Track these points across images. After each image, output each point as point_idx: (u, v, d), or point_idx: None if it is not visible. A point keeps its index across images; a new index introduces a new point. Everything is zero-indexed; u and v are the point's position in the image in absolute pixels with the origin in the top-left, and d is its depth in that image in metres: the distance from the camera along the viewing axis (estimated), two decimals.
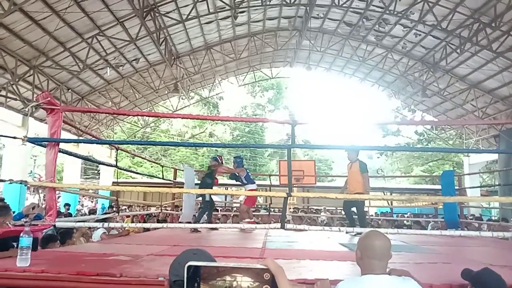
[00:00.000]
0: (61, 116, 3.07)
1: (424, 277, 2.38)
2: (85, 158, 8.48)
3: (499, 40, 12.54)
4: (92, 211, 14.30)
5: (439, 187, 7.42)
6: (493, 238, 5.50)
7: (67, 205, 14.14)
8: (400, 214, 13.40)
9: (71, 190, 6.11)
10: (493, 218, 13.65)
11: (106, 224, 3.85)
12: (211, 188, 6.30)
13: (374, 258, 1.96)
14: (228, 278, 0.61)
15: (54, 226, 3.29)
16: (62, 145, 4.47)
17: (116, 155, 5.12)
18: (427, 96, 17.30)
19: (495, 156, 17.56)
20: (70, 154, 4.20)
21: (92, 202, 20.87)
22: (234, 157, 7.44)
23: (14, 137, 3.05)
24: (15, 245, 3.00)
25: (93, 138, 6.34)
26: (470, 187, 12.24)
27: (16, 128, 12.80)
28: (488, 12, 11.85)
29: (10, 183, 3.17)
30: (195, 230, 5.73)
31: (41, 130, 14.14)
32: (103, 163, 5.88)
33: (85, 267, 2.50)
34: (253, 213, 7.67)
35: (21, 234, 2.45)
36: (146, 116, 20.80)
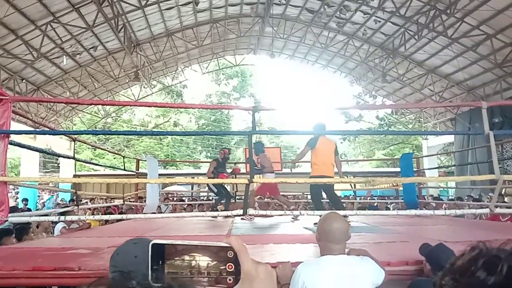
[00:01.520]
0: (10, 106, 2.92)
1: (383, 256, 2.46)
2: (41, 151, 8.12)
3: (454, 26, 13.00)
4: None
5: (399, 169, 7.68)
6: (449, 217, 5.77)
7: (25, 200, 13.58)
8: (362, 197, 13.80)
9: (29, 185, 5.87)
10: (450, 197, 14.31)
11: (63, 218, 3.71)
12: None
13: (333, 240, 2.00)
14: (186, 257, 0.59)
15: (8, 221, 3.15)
16: (17, 138, 4.27)
17: (74, 146, 4.93)
18: (387, 81, 17.78)
19: (451, 139, 18.36)
20: (23, 146, 4.01)
21: (52, 195, 20.15)
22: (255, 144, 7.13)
23: None
24: None
25: (46, 129, 6.05)
26: (428, 169, 12.77)
27: None
28: None
29: None
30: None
31: None
32: (60, 155, 5.64)
33: (41, 262, 2.41)
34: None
35: None
36: (106, 105, 20.24)
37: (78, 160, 5.72)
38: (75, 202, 9.90)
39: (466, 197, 10.09)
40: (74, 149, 4.78)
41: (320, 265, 1.95)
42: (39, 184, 5.89)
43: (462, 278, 0.54)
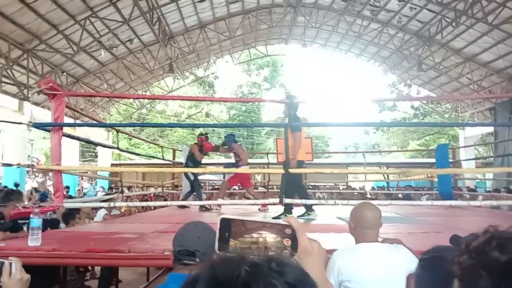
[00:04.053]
0: (63, 101, 3.15)
1: (416, 245, 2.51)
2: (90, 142, 8.58)
3: (495, 12, 12.49)
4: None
5: (434, 160, 7.56)
6: (485, 208, 5.68)
7: (66, 187, 14.25)
8: (395, 188, 13.62)
9: (72, 172, 6.21)
10: (487, 189, 13.89)
11: (112, 204, 3.96)
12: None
13: (366, 228, 2.09)
14: (255, 234, 0.71)
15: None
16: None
17: (117, 137, 5.19)
18: (422, 70, 17.31)
19: (490, 129, 17.73)
20: (74, 138, 4.28)
21: (91, 184, 21.02)
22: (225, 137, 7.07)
23: (20, 123, 3.12)
24: (24, 227, 3.13)
25: (94, 122, 6.37)
26: (465, 160, 12.43)
27: (12, 113, 12.80)
28: None
29: (18, 167, 3.27)
30: (206, 209, 5.86)
31: (36, 114, 14.16)
32: (105, 146, 5.96)
33: (94, 245, 2.62)
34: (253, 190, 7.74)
35: (31, 215, 2.56)
36: (147, 99, 20.79)
37: (122, 150, 6.02)
38: (113, 190, 10.34)
39: (503, 189, 9.80)
40: (118, 139, 5.04)
41: (355, 252, 2.05)
42: (86, 172, 6.20)
43: (478, 256, 0.64)
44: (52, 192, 3.73)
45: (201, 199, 6.45)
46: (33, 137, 23.18)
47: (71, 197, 11.64)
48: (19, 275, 1.34)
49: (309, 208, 4.63)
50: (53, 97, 3.09)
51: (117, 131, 5.30)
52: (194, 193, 6.77)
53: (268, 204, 4.54)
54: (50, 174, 18.52)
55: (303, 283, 0.53)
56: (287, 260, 0.56)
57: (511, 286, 0.58)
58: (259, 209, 5.98)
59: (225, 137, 6.95)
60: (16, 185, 8.43)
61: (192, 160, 6.57)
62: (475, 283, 0.62)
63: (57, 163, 3.14)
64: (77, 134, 13.39)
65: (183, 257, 1.46)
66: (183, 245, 1.46)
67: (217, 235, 0.72)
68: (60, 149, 3.30)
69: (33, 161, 22.66)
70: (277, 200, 3.69)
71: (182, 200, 6.65)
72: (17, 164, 3.35)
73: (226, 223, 0.72)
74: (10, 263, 1.35)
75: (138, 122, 27.50)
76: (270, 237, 0.71)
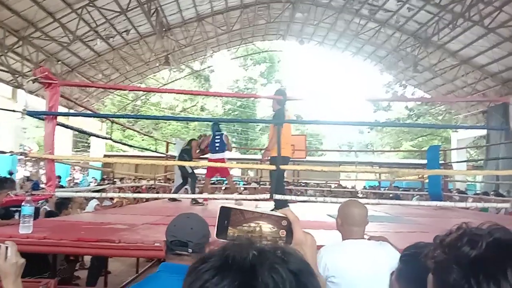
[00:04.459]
0: (58, 90, 3.15)
1: (402, 244, 2.55)
2: (84, 132, 8.52)
3: (491, 16, 12.57)
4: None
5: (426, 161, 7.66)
6: (474, 211, 5.76)
7: (58, 177, 14.20)
8: (387, 188, 13.72)
9: (65, 162, 6.21)
10: (477, 191, 14.05)
11: (104, 194, 3.98)
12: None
13: (353, 225, 2.14)
14: (252, 224, 0.75)
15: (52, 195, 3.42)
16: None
17: (111, 128, 5.20)
18: (418, 71, 17.40)
19: (483, 132, 17.89)
20: (68, 127, 4.28)
21: (83, 174, 20.96)
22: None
23: (14, 111, 3.12)
24: (15, 215, 3.15)
25: (89, 112, 6.37)
26: (456, 162, 12.56)
27: (6, 100, 12.72)
28: None
29: (11, 155, 3.27)
30: (197, 202, 5.85)
31: (30, 102, 14.06)
32: (98, 136, 5.96)
33: (84, 234, 2.64)
34: (245, 186, 7.79)
35: (23, 203, 2.57)
36: (143, 91, 20.71)
37: (115, 141, 6.02)
38: (105, 181, 10.33)
39: (492, 192, 9.92)
40: (111, 130, 5.04)
41: (341, 248, 2.09)
42: (79, 162, 6.20)
43: (450, 251, 0.68)
44: (44, 181, 3.73)
45: (194, 192, 6.47)
46: (26, 126, 23.03)
47: (61, 187, 11.65)
48: (15, 259, 1.38)
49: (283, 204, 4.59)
50: (48, 86, 3.09)
51: (112, 122, 5.30)
52: (186, 187, 6.82)
53: (260, 200, 4.56)
54: (42, 163, 18.42)
55: (304, 272, 0.57)
56: (291, 250, 0.61)
57: (479, 279, 0.62)
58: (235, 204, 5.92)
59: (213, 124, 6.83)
60: (11, 173, 8.42)
61: (188, 154, 6.59)
62: (447, 276, 0.66)
63: (50, 152, 3.15)
64: (71, 124, 13.39)
65: (176, 247, 1.49)
66: (176, 236, 1.50)
67: (216, 222, 0.75)
68: (53, 138, 3.30)
69: (25, 149, 22.52)
70: (267, 195, 3.72)
71: (174, 193, 6.67)
72: (9, 152, 3.36)
73: (225, 212, 0.75)
74: (6, 247, 1.38)
75: (133, 113, 27.40)
76: (266, 227, 0.75)
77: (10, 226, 2.80)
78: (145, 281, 1.53)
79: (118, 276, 5.92)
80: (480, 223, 0.72)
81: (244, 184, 12.15)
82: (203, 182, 7.10)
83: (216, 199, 5.84)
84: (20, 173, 14.49)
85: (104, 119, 16.64)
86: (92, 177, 16.31)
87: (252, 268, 0.54)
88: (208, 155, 6.42)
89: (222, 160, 6.22)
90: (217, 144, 6.26)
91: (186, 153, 6.64)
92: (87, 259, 5.72)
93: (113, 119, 5.72)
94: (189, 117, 31.16)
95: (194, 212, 1.72)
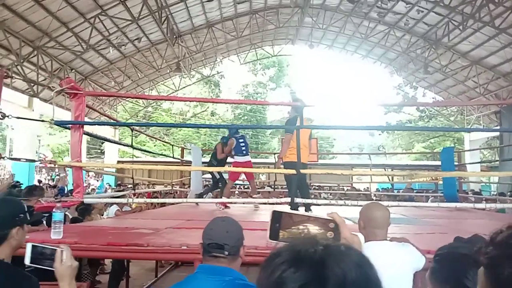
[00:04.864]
0: (84, 100, 3.26)
1: (422, 245, 2.60)
2: (108, 140, 8.81)
3: (502, 16, 12.51)
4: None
5: (439, 163, 7.64)
6: (490, 212, 5.75)
7: None
8: (402, 190, 13.69)
9: (87, 169, 6.35)
10: (492, 192, 13.94)
11: (130, 200, 4.08)
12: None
13: (376, 227, 2.19)
14: (301, 226, 0.83)
15: (83, 202, 3.53)
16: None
17: (132, 135, 5.32)
18: (429, 73, 17.33)
19: (496, 132, 17.75)
20: (92, 136, 4.39)
21: (97, 181, 21.23)
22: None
23: (43, 120, 3.24)
24: (43, 221, 3.26)
25: (111, 120, 6.51)
26: (470, 163, 12.48)
27: (22, 109, 12.98)
28: None
29: (41, 163, 3.39)
30: (226, 206, 5.90)
31: (45, 110, 14.32)
32: (120, 143, 6.08)
33: (112, 238, 2.74)
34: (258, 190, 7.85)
35: (54, 210, 2.68)
36: (162, 99, 20.90)
37: (136, 148, 6.15)
38: (121, 187, 10.48)
39: (508, 193, 9.85)
40: (132, 137, 5.16)
41: (364, 250, 2.15)
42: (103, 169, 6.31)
43: (502, 248, 0.76)
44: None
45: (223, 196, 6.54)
46: (40, 133, 23.42)
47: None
48: (69, 262, 1.48)
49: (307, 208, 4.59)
50: (74, 96, 3.20)
51: (132, 129, 5.43)
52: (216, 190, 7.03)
53: (279, 204, 4.60)
54: (57, 169, 18.58)
55: (365, 263, 0.66)
56: (350, 245, 0.71)
57: None
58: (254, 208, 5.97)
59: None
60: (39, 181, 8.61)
61: (216, 158, 6.70)
62: (501, 270, 0.74)
63: (77, 160, 3.26)
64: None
65: (213, 250, 1.55)
66: (213, 239, 1.56)
67: (269, 226, 0.83)
68: (81, 147, 3.41)
69: (40, 157, 22.88)
70: (287, 199, 3.79)
71: (201, 196, 6.78)
72: (39, 160, 3.48)
73: (277, 216, 0.83)
74: (62, 251, 1.47)
75: (144, 119, 27.74)
76: (313, 229, 0.82)
77: (41, 232, 2.91)
78: (184, 281, 1.60)
79: (137, 280, 6.02)
80: None
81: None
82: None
83: (235, 203, 5.91)
84: (37, 179, 14.73)
85: (116, 126, 16.87)
86: (107, 183, 16.53)
87: (321, 260, 0.62)
88: (235, 158, 6.29)
89: (249, 163, 6.26)
90: (243, 147, 6.19)
91: (214, 158, 6.78)
92: (107, 263, 5.83)
93: (133, 126, 5.85)
94: (212, 124, 31.37)
95: (228, 215, 1.79)
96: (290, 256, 0.64)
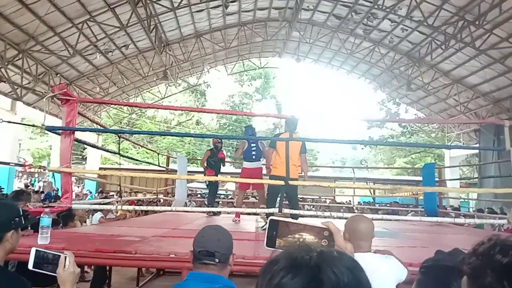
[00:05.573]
0: (76, 106, 3.27)
1: (404, 258, 2.69)
2: (97, 147, 8.71)
3: (482, 38, 12.96)
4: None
5: (420, 178, 7.82)
6: (469, 227, 5.92)
7: (56, 190, 14.21)
8: (388, 204, 13.88)
9: (76, 175, 6.29)
10: (471, 209, 14.24)
11: (118, 207, 4.07)
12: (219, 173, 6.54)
13: (361, 239, 2.25)
14: (296, 235, 0.88)
15: (70, 208, 3.51)
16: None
17: (119, 142, 5.31)
18: (411, 90, 17.76)
19: (475, 150, 18.21)
20: (81, 142, 4.38)
21: (78, 187, 20.91)
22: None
23: (33, 125, 3.22)
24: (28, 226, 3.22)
25: (102, 128, 6.50)
26: (450, 179, 12.74)
27: (5, 112, 12.76)
28: (473, 10, 12.22)
29: (30, 168, 3.37)
30: (214, 213, 5.83)
31: (28, 114, 14.12)
32: (108, 150, 6.05)
33: (99, 245, 2.74)
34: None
35: (42, 215, 2.67)
36: (153, 108, 20.80)
37: (123, 156, 6.13)
38: (102, 194, 10.36)
39: (486, 209, 10.09)
40: (119, 144, 5.16)
41: None
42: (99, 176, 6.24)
43: (485, 258, 0.82)
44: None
45: (212, 205, 6.50)
46: (21, 137, 22.99)
47: (59, 197, 11.66)
48: (72, 268, 1.50)
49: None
50: (65, 102, 3.21)
51: (119, 137, 5.43)
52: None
53: (265, 214, 4.65)
54: (36, 175, 18.20)
55: (357, 268, 0.72)
56: (342, 251, 0.78)
57: (511, 282, 0.77)
58: (233, 220, 5.58)
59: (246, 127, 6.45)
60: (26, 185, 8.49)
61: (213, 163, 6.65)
62: (482, 280, 0.81)
63: (67, 166, 3.25)
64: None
65: (203, 257, 1.59)
66: (204, 246, 1.60)
67: (266, 234, 0.88)
68: (71, 152, 3.41)
69: (19, 160, 22.41)
70: (275, 210, 3.85)
71: (210, 204, 6.51)
72: (28, 165, 3.46)
73: (274, 224, 0.88)
74: (65, 257, 1.49)
75: (128, 126, 27.52)
76: (309, 238, 0.87)
77: (27, 237, 2.88)
78: None
79: None
80: (508, 235, 0.87)
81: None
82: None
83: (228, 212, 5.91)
84: (16, 185, 14.43)
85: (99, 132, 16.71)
86: (88, 190, 16.28)
87: (317, 265, 0.67)
88: (243, 164, 5.82)
89: (259, 169, 5.73)
90: (253, 152, 5.72)
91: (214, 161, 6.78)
92: (88, 271, 5.75)
93: (121, 134, 5.85)
94: (203, 134, 31.29)
95: (203, 225, 1.83)
96: (288, 263, 0.69)
